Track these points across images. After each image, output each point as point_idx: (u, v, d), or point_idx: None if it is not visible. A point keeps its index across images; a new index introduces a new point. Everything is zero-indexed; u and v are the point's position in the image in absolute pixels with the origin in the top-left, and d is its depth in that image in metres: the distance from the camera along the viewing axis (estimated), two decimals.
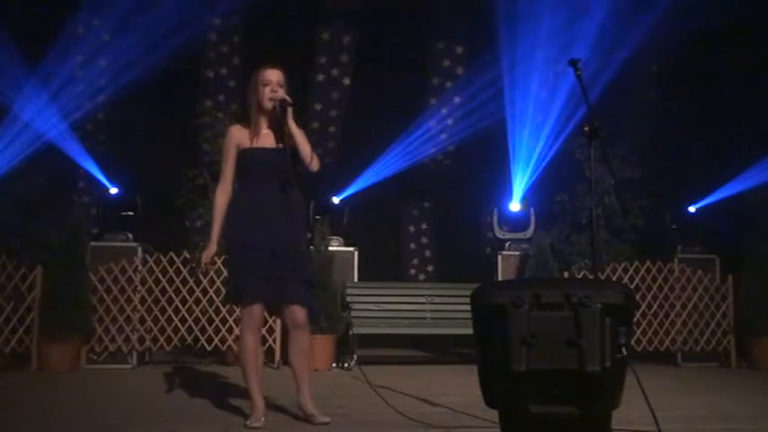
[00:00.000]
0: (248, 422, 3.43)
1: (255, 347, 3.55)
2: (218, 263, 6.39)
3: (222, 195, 3.59)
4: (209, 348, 6.31)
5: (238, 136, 3.58)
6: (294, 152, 3.48)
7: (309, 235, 3.53)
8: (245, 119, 3.63)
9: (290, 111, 3.48)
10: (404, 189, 8.81)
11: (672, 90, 8.24)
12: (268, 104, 3.53)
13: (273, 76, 3.55)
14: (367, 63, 8.64)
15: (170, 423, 3.58)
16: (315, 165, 3.51)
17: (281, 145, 3.52)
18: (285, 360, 6.12)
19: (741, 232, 6.98)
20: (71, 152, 7.18)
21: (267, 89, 3.53)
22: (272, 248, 3.43)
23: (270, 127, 3.60)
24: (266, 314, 3.76)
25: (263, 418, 3.45)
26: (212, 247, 3.57)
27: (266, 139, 3.58)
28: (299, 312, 3.51)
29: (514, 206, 7.34)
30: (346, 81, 8.83)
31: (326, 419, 3.47)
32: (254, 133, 3.57)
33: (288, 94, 3.53)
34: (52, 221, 6.36)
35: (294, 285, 3.48)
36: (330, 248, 6.68)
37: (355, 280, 6.86)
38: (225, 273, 6.30)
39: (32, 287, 6.03)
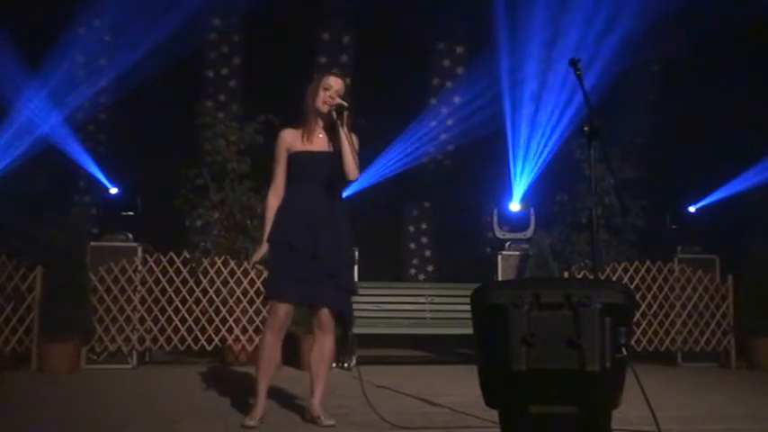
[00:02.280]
0: (245, 421, 3.44)
1: (273, 348, 3.54)
2: (215, 263, 6.39)
3: (273, 198, 3.62)
4: (209, 348, 6.31)
5: (289, 139, 3.62)
6: (337, 158, 3.52)
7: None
8: (298, 122, 3.66)
9: (345, 115, 3.52)
10: (404, 189, 8.81)
11: (672, 89, 8.25)
12: (323, 107, 3.57)
13: (335, 83, 3.62)
14: (367, 63, 8.64)
15: (170, 423, 3.58)
16: (353, 174, 3.53)
17: (331, 149, 3.57)
18: (285, 360, 6.13)
19: (741, 232, 6.99)
20: (72, 152, 7.19)
21: (326, 94, 3.58)
22: (315, 250, 3.46)
23: (323, 131, 3.63)
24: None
25: (258, 418, 3.46)
26: (262, 248, 3.58)
27: (318, 142, 3.62)
28: (325, 315, 3.55)
29: (514, 206, 7.34)
30: (346, 81, 8.82)
31: (332, 422, 3.47)
32: (307, 136, 3.60)
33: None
34: (52, 221, 6.36)
35: (327, 288, 3.50)
36: None
37: (355, 280, 6.83)
38: (225, 273, 6.35)
39: (32, 287, 6.03)
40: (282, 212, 3.57)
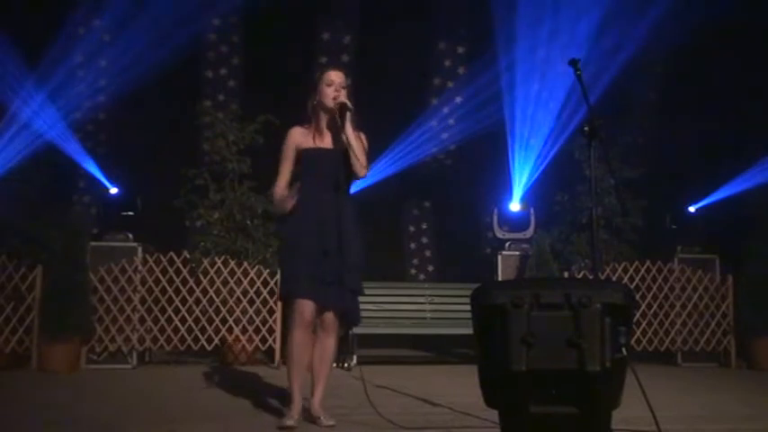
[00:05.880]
0: (282, 421, 3.42)
1: (303, 345, 3.51)
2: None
3: (280, 190, 3.62)
4: (209, 348, 6.31)
5: (299, 138, 3.63)
6: (347, 155, 3.52)
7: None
8: (306, 120, 3.67)
9: (348, 115, 3.51)
10: (404, 189, 8.80)
11: (672, 89, 8.24)
12: (331, 103, 3.57)
13: (337, 77, 3.61)
14: (368, 62, 8.63)
15: (170, 423, 3.58)
16: (361, 172, 3.56)
17: (340, 147, 3.56)
18: (285, 361, 6.13)
19: (741, 232, 6.98)
20: (71, 152, 7.18)
21: (331, 89, 3.58)
22: (324, 249, 3.47)
23: (329, 128, 3.64)
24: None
25: (296, 417, 3.44)
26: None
27: (328, 140, 3.63)
28: (329, 317, 3.56)
29: (514, 206, 7.34)
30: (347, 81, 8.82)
31: (332, 422, 3.47)
32: (316, 134, 3.62)
33: (347, 98, 3.56)
34: (52, 221, 6.36)
35: (335, 289, 3.50)
36: None
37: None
38: (225, 273, 6.35)
39: (32, 287, 6.03)
40: (295, 211, 3.56)
